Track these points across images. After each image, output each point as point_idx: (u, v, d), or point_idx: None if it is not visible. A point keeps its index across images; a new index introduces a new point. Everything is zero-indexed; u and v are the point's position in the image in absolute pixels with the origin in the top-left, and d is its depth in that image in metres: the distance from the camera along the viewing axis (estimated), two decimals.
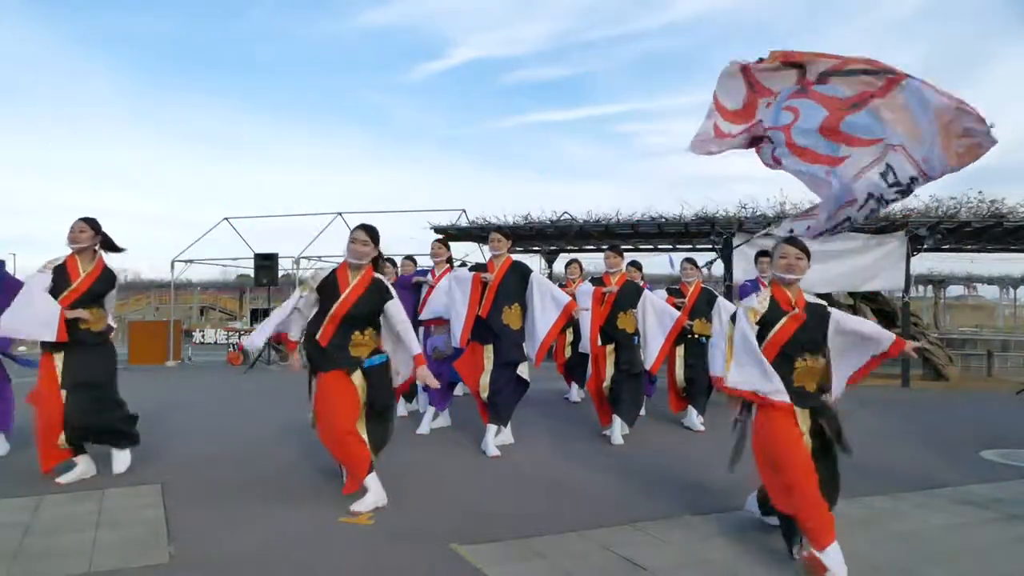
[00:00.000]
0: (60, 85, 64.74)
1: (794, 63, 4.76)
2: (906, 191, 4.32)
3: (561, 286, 6.06)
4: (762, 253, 6.82)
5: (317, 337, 3.72)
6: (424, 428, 5.72)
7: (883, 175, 4.70)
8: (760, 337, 2.98)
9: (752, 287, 6.70)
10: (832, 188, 4.54)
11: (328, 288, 3.75)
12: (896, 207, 10.42)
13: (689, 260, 6.58)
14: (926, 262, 19.41)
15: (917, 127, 4.15)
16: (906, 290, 10.28)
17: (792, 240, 3.16)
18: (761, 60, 4.86)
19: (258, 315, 14.15)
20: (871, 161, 4.72)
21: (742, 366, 2.93)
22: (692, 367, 6.15)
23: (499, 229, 5.35)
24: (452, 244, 13.73)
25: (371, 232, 3.78)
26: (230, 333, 14.94)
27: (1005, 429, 5.69)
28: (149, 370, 11.58)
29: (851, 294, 11.15)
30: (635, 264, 6.63)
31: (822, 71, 4.65)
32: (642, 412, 6.60)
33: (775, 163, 4.84)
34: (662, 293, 6.30)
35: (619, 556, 2.91)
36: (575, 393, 7.67)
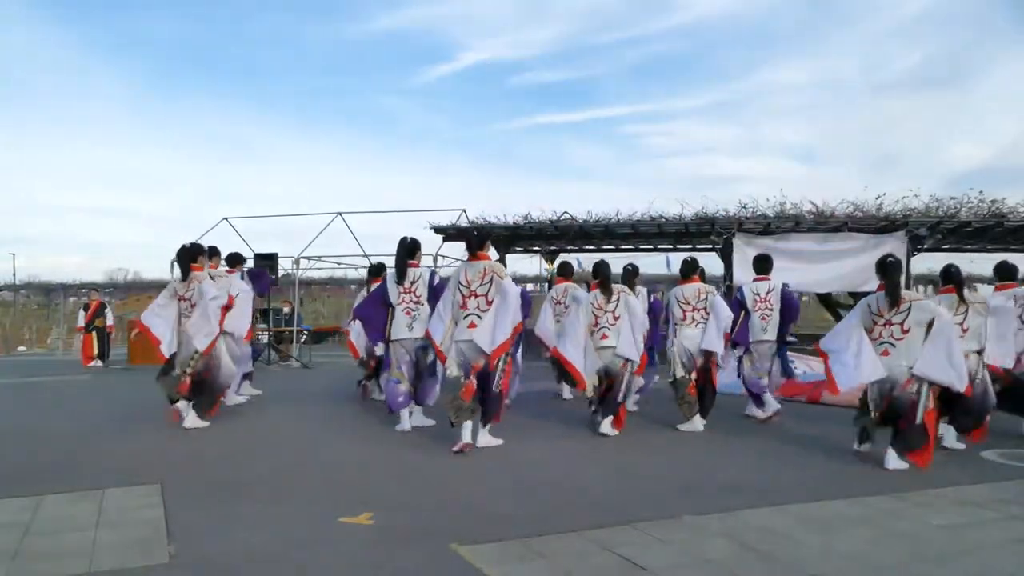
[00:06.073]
0: (61, 85, 64.73)
1: None
2: None
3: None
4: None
5: None
6: (427, 420, 5.90)
7: None
8: None
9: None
10: None
11: None
12: (896, 207, 10.43)
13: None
14: (926, 262, 19.34)
15: None
16: (906, 290, 10.26)
17: None
18: None
19: (257, 315, 14.04)
20: None
21: None
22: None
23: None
24: (452, 244, 13.73)
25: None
26: None
27: (1005, 429, 5.68)
28: (150, 370, 11.52)
29: (851, 294, 11.17)
30: (633, 268, 6.78)
31: None
32: (635, 408, 6.70)
33: None
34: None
35: (619, 556, 2.91)
36: (567, 391, 7.72)
